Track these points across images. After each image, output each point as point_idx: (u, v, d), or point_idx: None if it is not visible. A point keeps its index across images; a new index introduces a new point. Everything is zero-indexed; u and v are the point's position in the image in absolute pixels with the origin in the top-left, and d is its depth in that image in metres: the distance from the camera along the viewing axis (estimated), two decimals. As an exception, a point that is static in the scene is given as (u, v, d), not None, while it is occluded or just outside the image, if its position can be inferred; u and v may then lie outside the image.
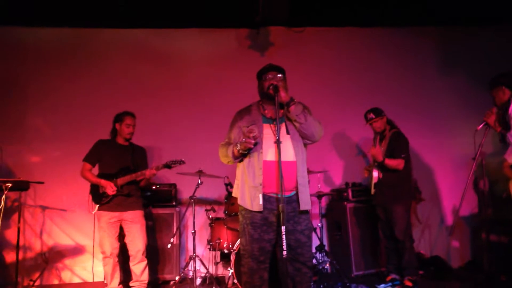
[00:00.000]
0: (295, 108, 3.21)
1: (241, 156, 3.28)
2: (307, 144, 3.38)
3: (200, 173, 4.88)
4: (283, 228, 2.93)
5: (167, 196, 5.45)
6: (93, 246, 5.09)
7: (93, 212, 4.55)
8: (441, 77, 6.30)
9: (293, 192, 3.22)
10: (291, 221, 3.19)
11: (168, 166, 4.45)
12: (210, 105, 5.95)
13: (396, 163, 4.75)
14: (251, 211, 3.19)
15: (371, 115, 4.98)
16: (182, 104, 6.01)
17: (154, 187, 5.39)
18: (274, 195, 3.17)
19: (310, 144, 3.39)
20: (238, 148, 3.19)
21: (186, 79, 6.08)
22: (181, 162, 4.45)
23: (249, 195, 3.20)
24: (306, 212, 3.29)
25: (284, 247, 2.94)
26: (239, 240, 4.51)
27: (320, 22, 6.21)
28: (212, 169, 4.99)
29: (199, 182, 4.87)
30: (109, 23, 5.93)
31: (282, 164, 3.00)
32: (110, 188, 4.42)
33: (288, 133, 3.24)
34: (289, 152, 3.19)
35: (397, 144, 4.83)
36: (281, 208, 2.94)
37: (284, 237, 2.93)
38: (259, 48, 6.10)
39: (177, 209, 5.45)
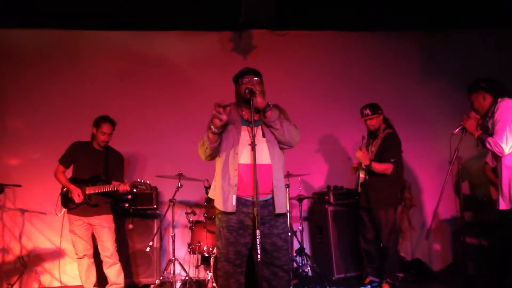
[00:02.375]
0: (271, 114, 3.19)
1: (217, 140, 3.19)
2: (284, 149, 3.36)
3: (180, 176, 4.86)
4: (257, 231, 2.93)
5: (148, 199, 5.38)
6: (60, 246, 5.00)
7: (59, 215, 4.60)
8: (424, 81, 6.34)
9: (270, 196, 3.21)
10: (267, 225, 3.17)
11: (135, 186, 4.45)
12: (192, 108, 5.91)
13: (384, 168, 4.60)
14: (227, 215, 3.17)
15: (367, 111, 4.73)
16: (163, 107, 5.99)
17: (134, 190, 5.33)
18: (250, 199, 3.15)
19: (287, 149, 3.37)
20: (210, 125, 3.12)
21: (167, 81, 6.06)
22: (147, 186, 4.46)
23: (223, 195, 3.18)
24: (283, 215, 3.28)
25: (259, 251, 2.93)
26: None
27: (304, 26, 6.22)
28: (192, 172, 4.97)
29: (179, 185, 4.85)
30: (89, 25, 5.88)
31: (257, 167, 3.00)
32: (76, 195, 4.41)
33: (264, 136, 3.22)
34: (264, 155, 3.17)
35: (388, 147, 4.65)
36: (255, 212, 2.94)
37: (258, 240, 2.92)
38: (242, 51, 6.10)
39: (158, 212, 5.42)
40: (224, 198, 3.17)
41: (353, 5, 5.66)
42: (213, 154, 3.27)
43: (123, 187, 4.38)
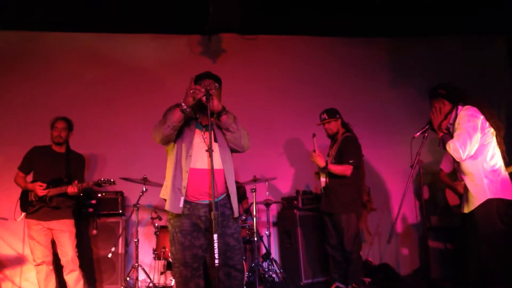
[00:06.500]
0: (227, 118, 3.18)
1: (182, 121, 3.11)
2: (235, 152, 3.39)
3: (145, 180, 4.79)
4: (215, 236, 2.89)
5: (113, 204, 5.28)
6: (23, 253, 4.86)
7: (18, 220, 4.45)
8: (392, 87, 6.40)
9: (221, 197, 3.22)
10: (219, 225, 3.15)
11: (98, 184, 4.38)
12: (160, 111, 5.80)
13: (341, 169, 4.62)
14: (180, 219, 3.15)
15: (324, 116, 4.82)
16: (130, 110, 5.91)
17: (100, 195, 5.23)
18: (201, 202, 3.16)
19: (238, 153, 3.39)
20: (181, 104, 3.04)
21: (135, 84, 5.99)
22: (111, 183, 4.39)
23: (172, 196, 3.17)
24: (236, 218, 3.29)
25: (216, 256, 2.90)
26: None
27: (273, 31, 6.24)
28: (158, 177, 4.89)
29: (144, 189, 4.78)
30: (57, 27, 5.79)
31: (209, 172, 3.01)
32: (38, 187, 4.30)
33: (216, 141, 3.22)
34: (216, 160, 3.16)
35: (346, 149, 4.68)
36: (213, 216, 2.91)
37: (216, 245, 2.89)
38: (211, 55, 6.08)
39: (124, 217, 5.32)
40: (172, 199, 3.16)
41: (323, 10, 5.71)
42: (170, 137, 3.18)
43: (71, 189, 4.27)
